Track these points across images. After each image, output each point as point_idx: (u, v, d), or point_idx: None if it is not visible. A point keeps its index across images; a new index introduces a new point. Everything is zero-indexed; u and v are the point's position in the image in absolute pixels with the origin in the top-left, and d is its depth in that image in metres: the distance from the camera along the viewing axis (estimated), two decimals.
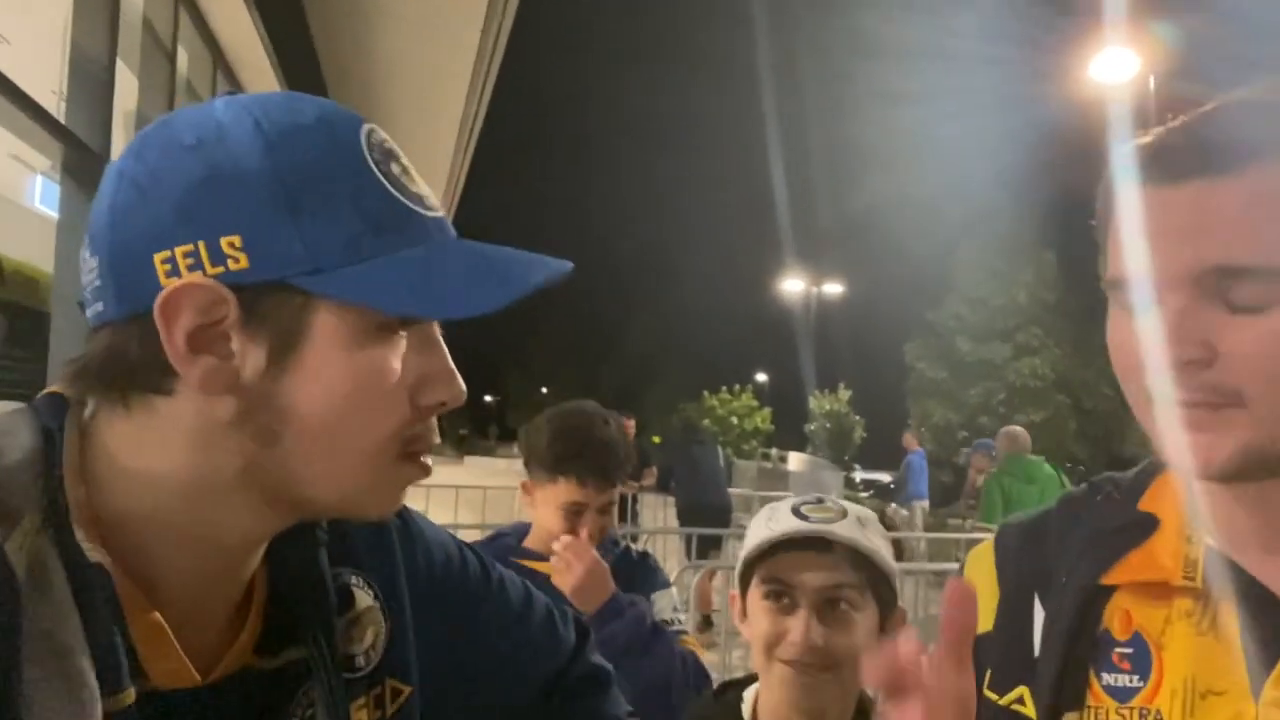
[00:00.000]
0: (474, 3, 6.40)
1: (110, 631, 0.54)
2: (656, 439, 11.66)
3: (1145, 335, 0.68)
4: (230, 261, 0.55)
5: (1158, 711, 0.71)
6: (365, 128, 0.61)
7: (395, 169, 0.61)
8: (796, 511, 1.20)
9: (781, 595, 1.17)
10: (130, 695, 0.54)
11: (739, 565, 1.24)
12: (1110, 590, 0.76)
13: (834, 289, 33.20)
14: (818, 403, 31.52)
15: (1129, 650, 0.74)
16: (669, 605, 1.83)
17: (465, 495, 8.89)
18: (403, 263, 0.58)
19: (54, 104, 3.78)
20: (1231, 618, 0.70)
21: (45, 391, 0.61)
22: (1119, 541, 0.76)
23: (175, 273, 0.55)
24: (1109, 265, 0.72)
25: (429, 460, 0.64)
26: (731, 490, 8.77)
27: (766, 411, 36.22)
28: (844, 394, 32.07)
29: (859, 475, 28.19)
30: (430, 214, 0.62)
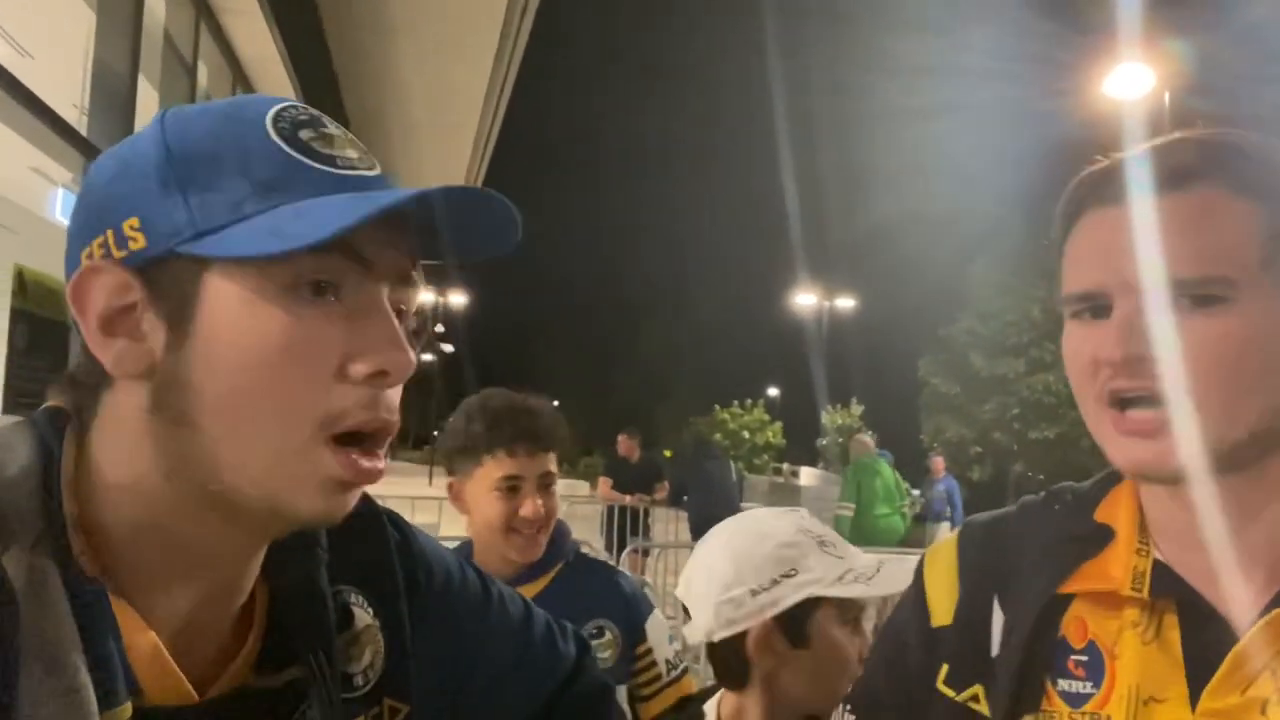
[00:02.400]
0: (489, 23, 6.46)
1: (107, 646, 0.54)
2: (668, 453, 11.61)
3: (1097, 342, 0.73)
4: (131, 242, 0.57)
5: (1108, 717, 0.74)
6: (281, 105, 0.61)
7: (306, 134, 0.60)
8: (826, 547, 1.21)
9: (858, 619, 1.19)
10: (127, 710, 0.54)
11: (798, 597, 1.17)
12: (1068, 599, 0.78)
13: (846, 303, 33.15)
14: (830, 417, 31.42)
15: (1084, 658, 0.77)
16: (664, 637, 1.67)
17: None
18: (280, 214, 0.56)
19: (76, 117, 3.83)
20: (1174, 629, 0.74)
21: (45, 406, 0.61)
22: (1075, 551, 0.79)
23: (91, 264, 0.58)
24: (1065, 281, 0.77)
25: (376, 462, 0.59)
26: (744, 505, 8.75)
27: (778, 426, 36.12)
28: (856, 409, 31.97)
29: None
30: (346, 172, 0.60)
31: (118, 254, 0.57)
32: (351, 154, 0.61)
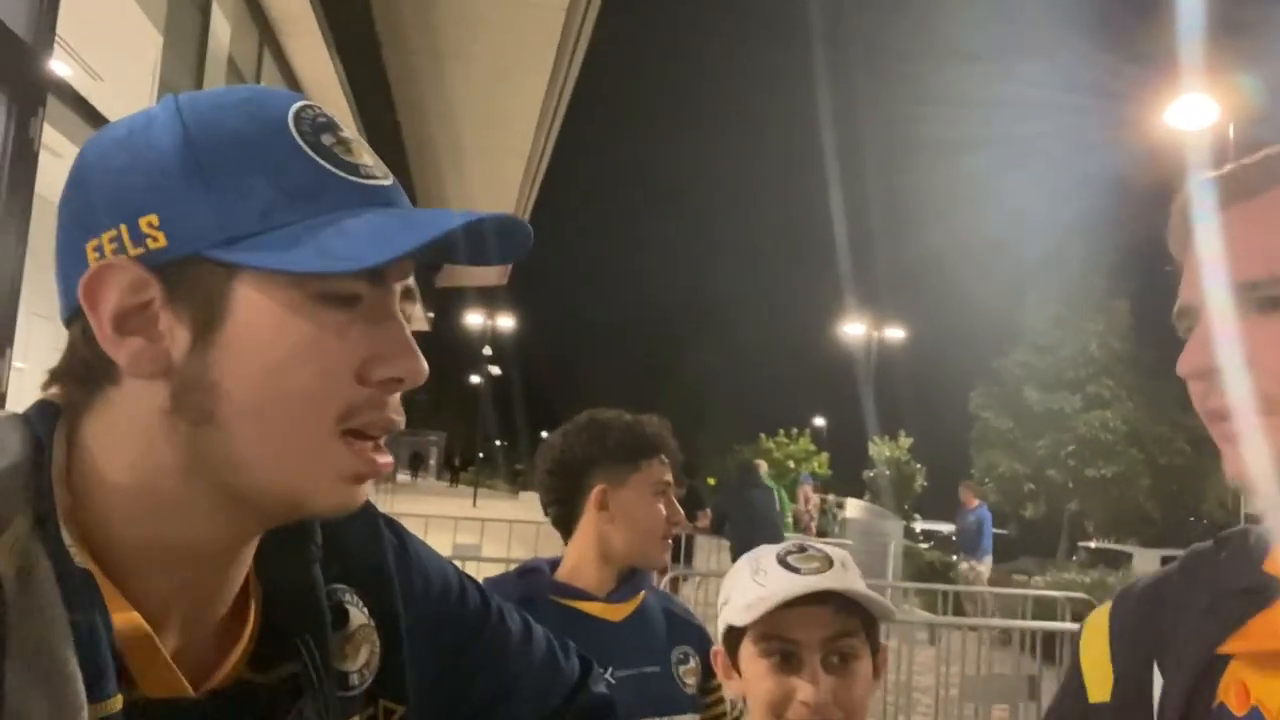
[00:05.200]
0: (544, 52, 6.55)
1: (97, 638, 0.53)
2: (712, 480, 11.52)
3: (1194, 355, 0.70)
4: (149, 241, 0.56)
5: None
6: (299, 104, 0.61)
7: (328, 140, 0.60)
8: (784, 564, 1.16)
9: (786, 654, 1.13)
10: (118, 702, 0.54)
11: (722, 624, 1.20)
12: (1228, 659, 0.71)
13: (896, 333, 32.74)
14: (877, 449, 30.97)
15: None
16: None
17: (518, 530, 8.91)
18: (316, 227, 0.56)
19: None
20: None
21: (38, 399, 0.61)
22: (1241, 606, 0.72)
23: (102, 258, 0.57)
24: (1179, 299, 0.75)
25: (384, 459, 0.61)
26: (788, 535, 8.63)
27: (824, 456, 35.71)
28: (905, 441, 31.49)
29: (919, 525, 27.52)
30: (368, 182, 0.60)
31: (133, 251, 0.56)
32: (369, 161, 0.61)
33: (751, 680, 1.16)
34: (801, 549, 1.19)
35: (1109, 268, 28.07)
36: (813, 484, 9.29)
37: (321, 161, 0.59)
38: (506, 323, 38.09)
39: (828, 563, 1.16)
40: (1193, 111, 10.43)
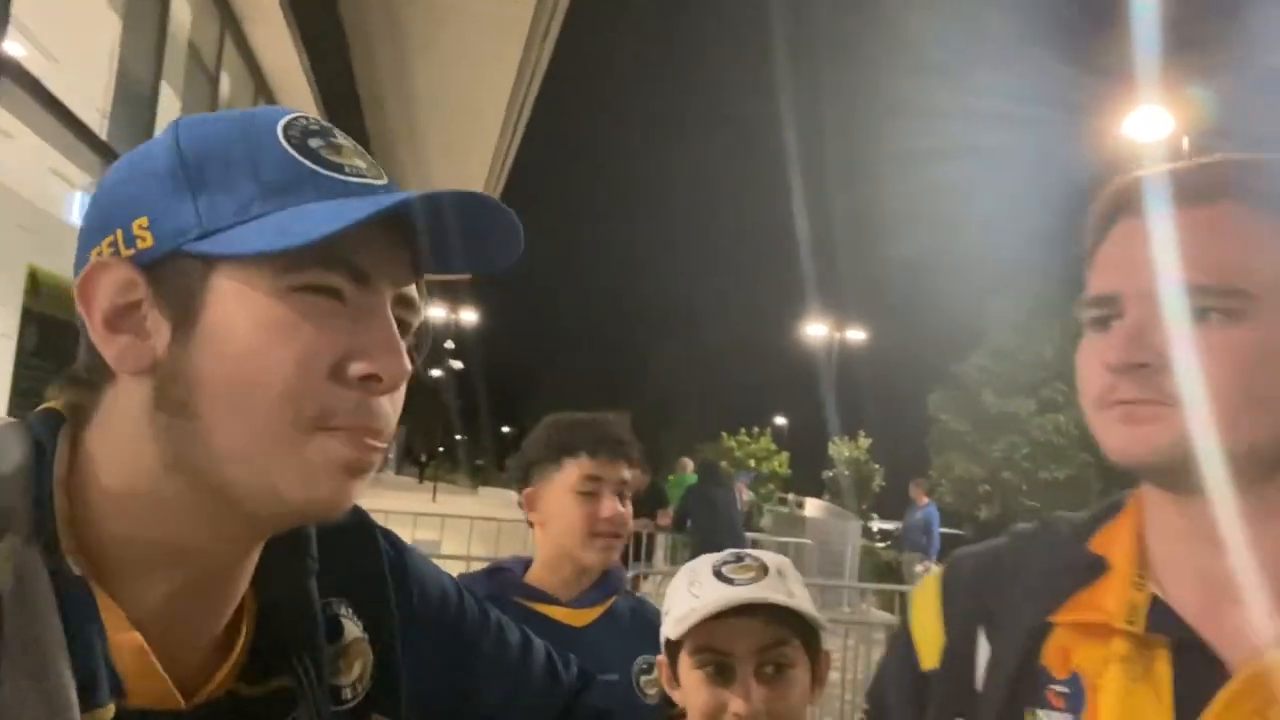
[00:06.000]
0: (511, 44, 6.51)
1: (92, 645, 0.54)
2: (672, 478, 11.56)
3: (1104, 348, 0.74)
4: (139, 241, 0.58)
5: None
6: (291, 115, 0.62)
7: (315, 143, 0.61)
8: (719, 575, 1.16)
9: (718, 665, 1.14)
10: (109, 711, 0.54)
11: (663, 635, 1.20)
12: (1052, 628, 0.78)
13: (857, 336, 33.07)
14: (837, 449, 31.26)
15: (1064, 689, 0.76)
16: None
17: (480, 527, 8.86)
18: (288, 214, 0.57)
19: (97, 122, 3.86)
20: (1165, 666, 0.73)
21: (42, 407, 0.62)
22: (1067, 581, 0.79)
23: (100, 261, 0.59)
24: (1087, 288, 0.78)
25: (372, 443, 0.59)
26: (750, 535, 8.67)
27: (784, 456, 35.97)
28: (864, 442, 31.81)
29: (876, 525, 27.83)
30: (353, 179, 0.61)
31: (125, 252, 0.58)
32: (360, 164, 0.62)
33: (688, 691, 1.16)
34: (739, 558, 1.19)
35: (1066, 276, 28.59)
36: (748, 480, 9.54)
37: (303, 160, 0.60)
38: (469, 317, 37.87)
39: (763, 571, 1.16)
40: (1149, 123, 10.67)
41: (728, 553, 1.22)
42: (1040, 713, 0.76)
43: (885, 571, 13.40)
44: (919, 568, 10.66)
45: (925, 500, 11.28)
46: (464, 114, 7.95)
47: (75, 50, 3.81)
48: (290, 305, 0.57)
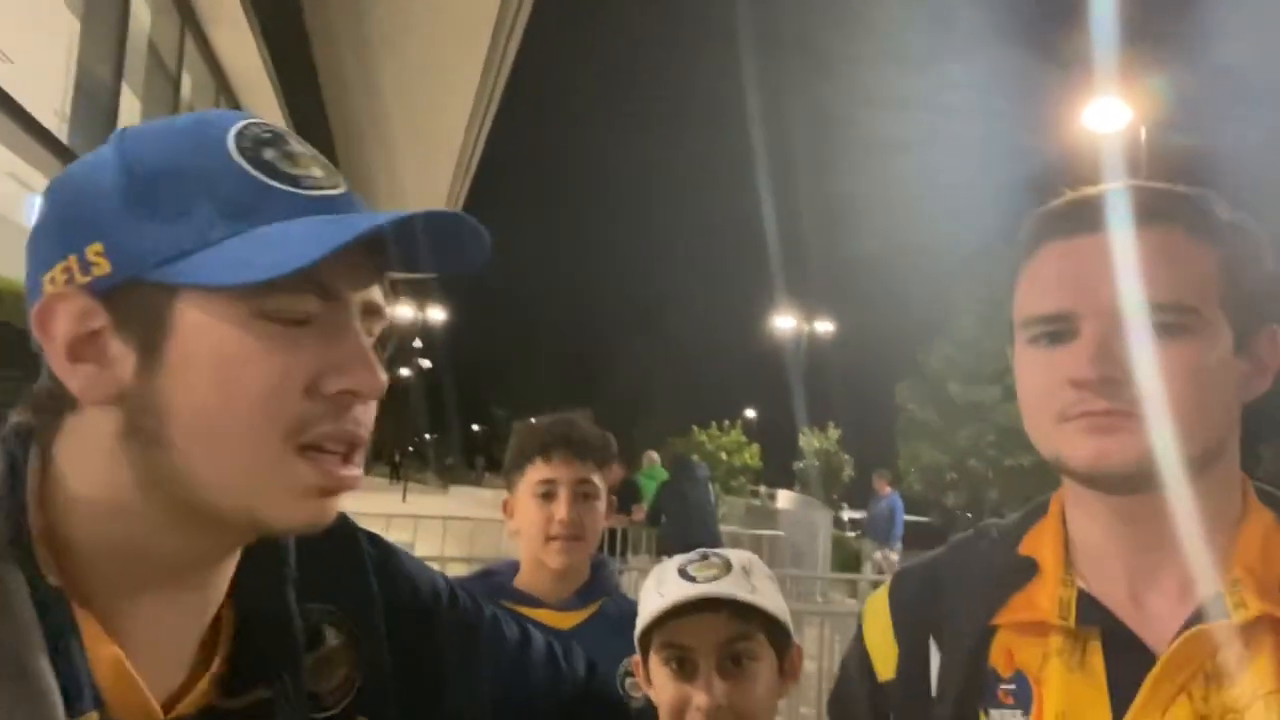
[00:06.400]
0: (475, 45, 6.49)
1: (72, 654, 0.54)
2: (642, 473, 11.57)
3: (1064, 364, 0.76)
4: (95, 269, 0.57)
5: None
6: (242, 123, 0.61)
7: (270, 154, 0.60)
8: (683, 573, 1.20)
9: (681, 661, 1.18)
10: (93, 718, 0.54)
11: (636, 634, 1.24)
12: (995, 630, 0.83)
13: (825, 327, 33.31)
14: (807, 440, 31.49)
15: (1012, 686, 0.80)
16: None
17: (452, 526, 8.82)
18: (252, 239, 0.56)
19: (56, 124, 3.80)
20: (1098, 656, 0.78)
21: (13, 420, 0.61)
22: (1002, 585, 0.84)
23: (54, 289, 0.58)
24: (1024, 306, 0.81)
25: (348, 471, 0.60)
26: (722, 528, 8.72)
27: (755, 448, 36.14)
28: (834, 432, 32.07)
29: (847, 514, 28.08)
30: (311, 193, 0.60)
31: (81, 279, 0.57)
32: (317, 173, 0.61)
33: (657, 688, 1.20)
34: (704, 556, 1.23)
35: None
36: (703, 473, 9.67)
37: (260, 176, 0.58)
38: (437, 315, 37.60)
39: (726, 569, 1.19)
40: (1107, 115, 10.85)
41: (695, 553, 1.25)
42: (994, 712, 0.80)
43: (854, 562, 13.53)
44: (877, 555, 10.79)
45: (888, 490, 11.41)
46: (430, 110, 7.90)
47: (32, 52, 3.74)
48: (258, 332, 0.56)
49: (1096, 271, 0.76)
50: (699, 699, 1.14)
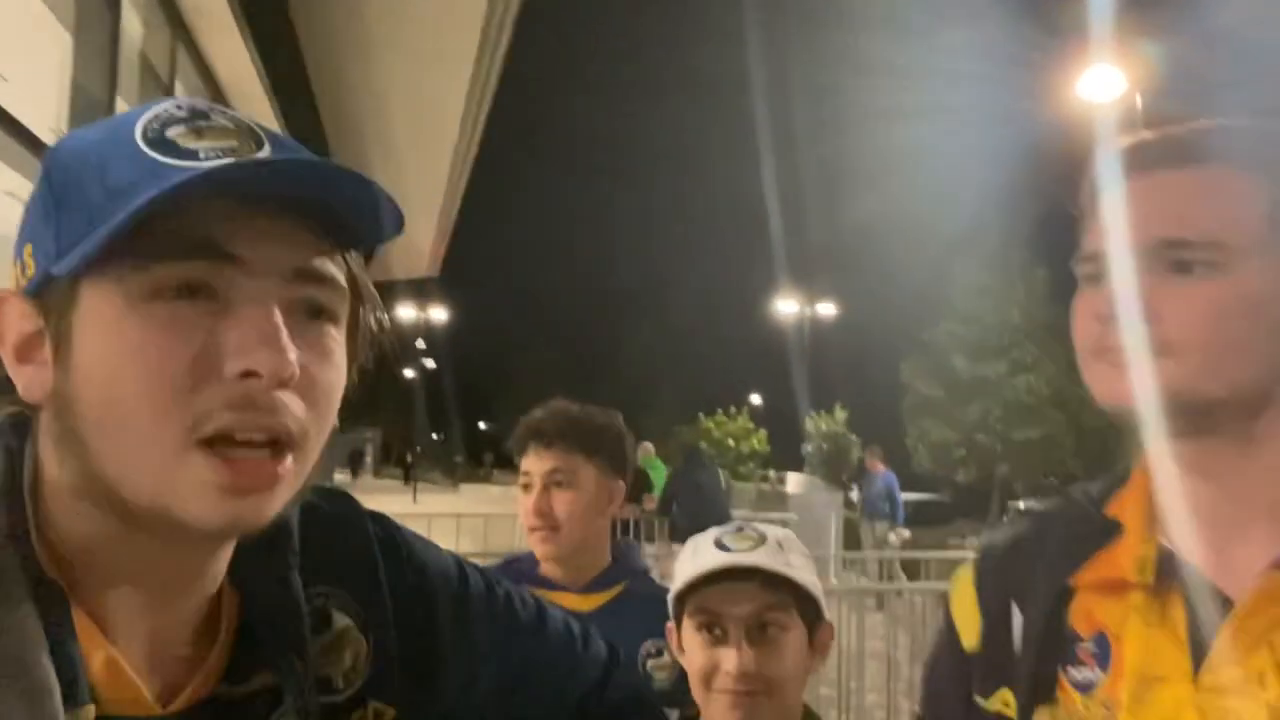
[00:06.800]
0: (467, 36, 6.47)
1: (70, 647, 0.54)
2: (643, 461, 11.56)
3: (1096, 302, 0.78)
4: (27, 270, 0.58)
5: (1115, 700, 0.78)
6: (162, 106, 0.59)
7: (174, 132, 0.57)
8: (718, 543, 1.23)
9: (712, 626, 1.21)
10: (90, 712, 0.54)
11: (670, 600, 1.27)
12: (1075, 591, 0.83)
13: (828, 309, 33.23)
14: (814, 423, 31.48)
15: (1092, 646, 0.80)
16: None
17: (465, 523, 8.87)
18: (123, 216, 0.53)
19: (54, 140, 3.80)
20: (1178, 609, 0.77)
21: (9, 411, 0.61)
22: (1087, 546, 0.84)
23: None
24: (1081, 246, 0.83)
25: (261, 460, 0.55)
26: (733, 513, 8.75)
27: (763, 433, 36.15)
28: (840, 414, 32.05)
29: (856, 495, 28.11)
30: (201, 164, 0.55)
31: (22, 282, 0.58)
32: (229, 143, 0.56)
33: (688, 652, 1.24)
34: (740, 529, 1.26)
35: (1028, 237, 28.95)
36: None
37: (152, 154, 0.56)
38: (439, 314, 37.59)
39: (760, 541, 1.23)
40: (1102, 83, 10.79)
41: (731, 524, 1.29)
42: (1072, 670, 0.80)
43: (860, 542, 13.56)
44: (892, 537, 10.45)
45: (882, 468, 11.07)
46: (424, 107, 7.88)
47: (26, 67, 3.75)
48: (142, 316, 0.53)
49: (1128, 213, 0.77)
50: (728, 664, 1.17)
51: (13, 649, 0.51)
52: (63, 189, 0.57)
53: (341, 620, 0.69)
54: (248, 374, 0.54)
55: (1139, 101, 10.88)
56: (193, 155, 0.55)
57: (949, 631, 0.93)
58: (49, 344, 0.57)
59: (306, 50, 6.87)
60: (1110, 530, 0.83)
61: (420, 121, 8.19)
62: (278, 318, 0.55)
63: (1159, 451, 0.81)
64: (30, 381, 0.57)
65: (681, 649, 1.26)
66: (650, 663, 1.62)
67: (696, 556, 1.24)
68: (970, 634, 0.90)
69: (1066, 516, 0.89)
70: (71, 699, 0.53)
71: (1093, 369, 0.80)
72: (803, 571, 1.22)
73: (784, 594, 1.20)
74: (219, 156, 0.55)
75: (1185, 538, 0.80)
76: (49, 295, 0.56)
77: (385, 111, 8.06)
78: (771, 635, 1.20)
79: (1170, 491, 0.81)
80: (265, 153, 0.57)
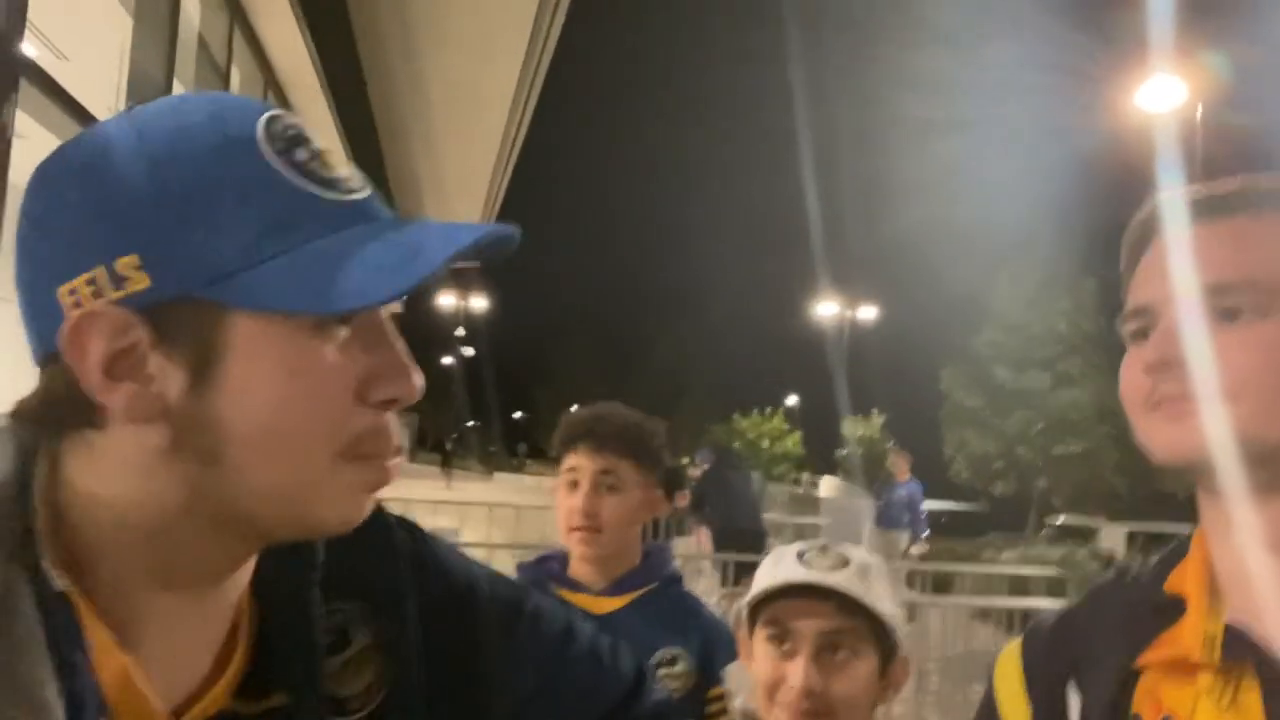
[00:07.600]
0: (518, 30, 6.49)
1: (76, 662, 0.52)
2: (685, 460, 11.54)
3: (1143, 354, 0.77)
4: (130, 283, 0.54)
5: None
6: (265, 116, 0.58)
7: (302, 155, 0.57)
8: (801, 557, 1.22)
9: (783, 639, 1.20)
10: None
11: (745, 606, 1.26)
12: (1139, 674, 0.77)
13: (868, 313, 32.96)
14: (851, 427, 31.25)
15: None
16: (745, 688, 1.64)
17: (497, 513, 8.92)
18: (306, 257, 0.55)
19: None
20: (1253, 692, 0.72)
21: (18, 415, 0.59)
22: (1147, 625, 0.79)
23: (79, 304, 0.54)
24: (1125, 305, 0.81)
25: (393, 463, 0.61)
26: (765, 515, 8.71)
27: (797, 435, 35.95)
28: (877, 419, 31.78)
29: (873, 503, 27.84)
30: (349, 197, 0.58)
31: (114, 294, 0.54)
32: (345, 173, 0.59)
33: (757, 661, 1.23)
34: (824, 549, 1.25)
35: (1079, 248, 28.40)
36: (706, 459, 9.11)
37: (300, 182, 0.57)
38: (479, 303, 37.90)
39: (843, 563, 1.21)
40: (1161, 93, 10.54)
41: (818, 541, 1.28)
42: None
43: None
44: (914, 550, 9.56)
45: (908, 475, 9.94)
46: (472, 99, 7.93)
47: (87, 48, 3.83)
48: (313, 346, 0.56)
49: (1172, 263, 0.76)
50: (794, 679, 1.17)
51: (15, 663, 0.50)
52: (189, 203, 0.54)
53: (362, 637, 0.68)
54: (391, 401, 0.59)
55: (1199, 112, 10.61)
56: (335, 187, 0.58)
57: (992, 716, 0.88)
58: (168, 363, 0.55)
59: (358, 37, 6.94)
60: (1171, 607, 0.78)
61: (468, 113, 8.24)
62: (404, 347, 0.60)
63: (1220, 512, 0.76)
64: (132, 401, 0.54)
65: (751, 657, 1.26)
66: (663, 670, 1.59)
67: (776, 567, 1.23)
68: (1021, 717, 0.85)
69: (1123, 593, 0.84)
70: (78, 716, 0.51)
71: (1146, 423, 0.77)
72: (883, 601, 1.21)
73: (859, 619, 1.19)
74: (350, 191, 0.59)
75: (1250, 610, 0.74)
76: (176, 314, 0.54)
77: (434, 101, 8.12)
78: (842, 658, 1.18)
79: (1235, 560, 0.76)
80: (368, 188, 0.61)
